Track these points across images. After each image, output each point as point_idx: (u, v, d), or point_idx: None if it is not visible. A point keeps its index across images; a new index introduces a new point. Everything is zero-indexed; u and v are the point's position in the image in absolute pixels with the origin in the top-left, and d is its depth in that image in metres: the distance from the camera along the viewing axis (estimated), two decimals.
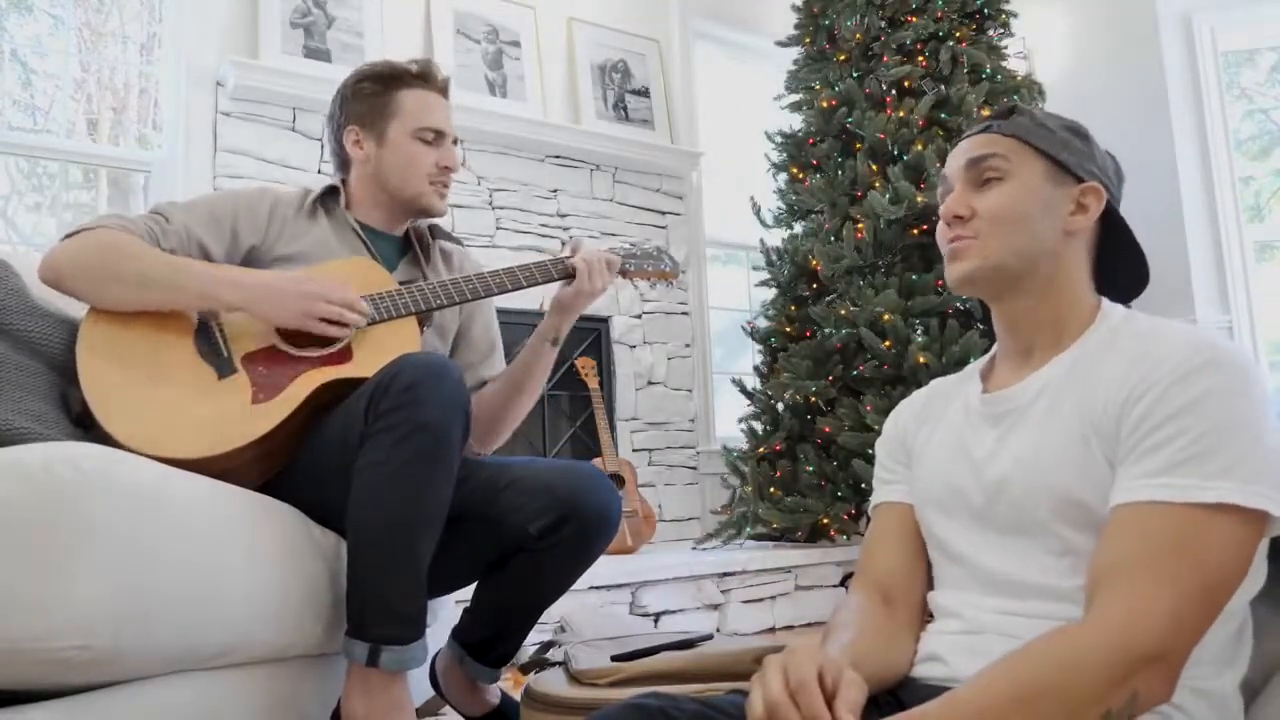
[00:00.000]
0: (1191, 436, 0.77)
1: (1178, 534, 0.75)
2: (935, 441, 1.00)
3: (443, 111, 1.60)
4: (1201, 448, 0.76)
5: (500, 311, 1.91)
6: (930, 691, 0.77)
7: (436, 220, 1.71)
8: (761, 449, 3.53)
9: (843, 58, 3.71)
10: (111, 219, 1.39)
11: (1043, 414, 0.88)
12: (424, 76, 1.59)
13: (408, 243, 1.66)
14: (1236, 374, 0.79)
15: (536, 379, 1.63)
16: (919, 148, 3.39)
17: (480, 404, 1.62)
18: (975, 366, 1.04)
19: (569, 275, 1.57)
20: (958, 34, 3.61)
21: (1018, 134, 0.94)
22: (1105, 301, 0.94)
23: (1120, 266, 0.98)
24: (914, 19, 3.61)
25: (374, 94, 1.57)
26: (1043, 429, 0.87)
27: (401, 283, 1.50)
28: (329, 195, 1.60)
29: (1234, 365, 0.79)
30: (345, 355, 1.39)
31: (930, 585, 0.99)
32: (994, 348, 1.02)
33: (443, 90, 1.61)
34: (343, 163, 1.62)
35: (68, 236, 1.37)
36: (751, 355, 3.99)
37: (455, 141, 1.63)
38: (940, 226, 0.97)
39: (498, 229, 3.71)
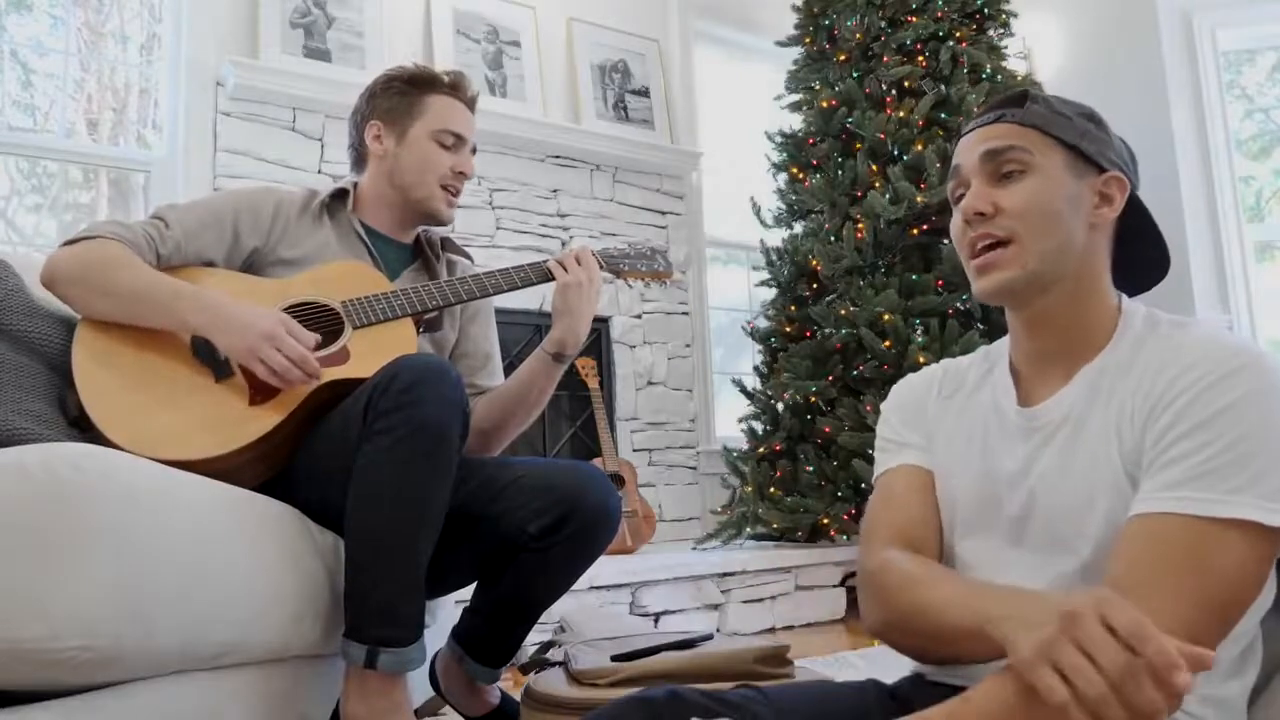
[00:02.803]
0: (1214, 450, 0.75)
1: (1194, 547, 0.73)
2: (958, 442, 0.96)
3: (466, 120, 1.62)
4: (1223, 461, 0.74)
5: (498, 311, 1.91)
6: (942, 691, 0.77)
7: (448, 232, 1.71)
8: (761, 449, 3.53)
9: (843, 58, 3.71)
10: (111, 227, 1.39)
11: (1074, 430, 0.86)
12: (455, 86, 1.62)
13: (417, 252, 1.66)
14: (1264, 386, 0.76)
15: (537, 394, 1.57)
16: (919, 148, 3.39)
17: (477, 412, 1.58)
18: (995, 358, 0.99)
19: (549, 276, 1.56)
20: (958, 34, 3.61)
21: (1037, 124, 0.89)
22: (1125, 301, 0.91)
23: (1138, 254, 0.94)
24: (914, 19, 3.60)
25: (402, 93, 1.59)
26: (1072, 447, 0.85)
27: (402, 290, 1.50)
28: (336, 198, 1.60)
29: (1261, 376, 0.76)
30: (343, 356, 1.39)
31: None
32: (1006, 343, 0.98)
33: (470, 104, 1.64)
34: (359, 159, 1.63)
35: (68, 243, 1.37)
36: (751, 355, 4.00)
37: (474, 152, 1.63)
38: (957, 226, 0.92)
39: (498, 229, 3.71)
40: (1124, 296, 0.92)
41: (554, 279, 1.55)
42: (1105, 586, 0.75)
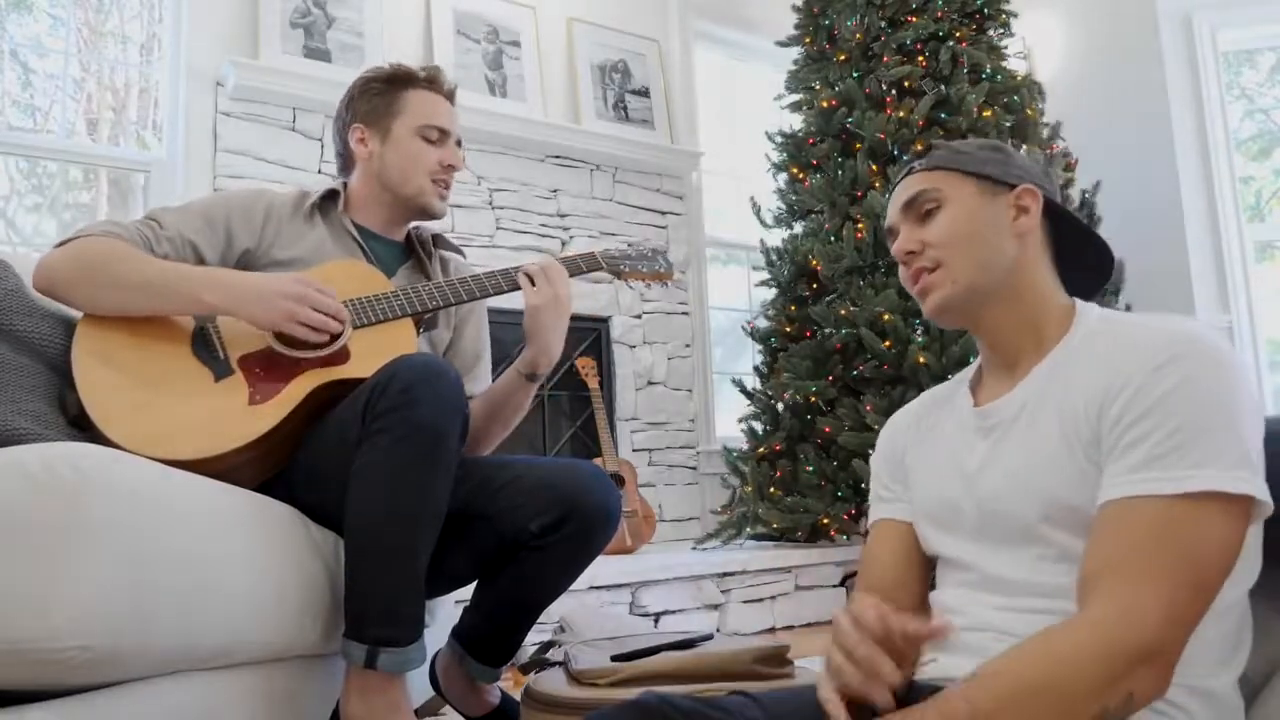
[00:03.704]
0: (1169, 429, 0.77)
1: (1164, 526, 0.75)
2: (929, 457, 1.01)
3: (448, 113, 1.61)
4: (1181, 439, 0.77)
5: (497, 312, 1.91)
6: (926, 690, 0.77)
7: (439, 229, 1.71)
8: (761, 449, 3.53)
9: (843, 58, 3.71)
10: (104, 226, 1.39)
11: (1028, 423, 0.89)
12: (431, 80, 1.61)
13: (409, 250, 1.66)
14: (1209, 362, 0.79)
15: (512, 411, 1.58)
16: (919, 148, 3.39)
17: None
18: (964, 377, 1.05)
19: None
20: (958, 34, 3.61)
21: (939, 165, 0.99)
22: (1079, 303, 0.96)
23: (1083, 257, 1.00)
24: (914, 19, 3.60)
25: (380, 93, 1.59)
26: (1028, 438, 0.88)
27: (398, 287, 1.50)
28: (327, 199, 1.60)
29: (1206, 354, 0.79)
30: (342, 356, 1.39)
31: (930, 587, 1.00)
32: (979, 358, 1.04)
33: (449, 96, 1.63)
34: (346, 163, 1.63)
35: (60, 244, 1.37)
36: (751, 355, 4.00)
37: (459, 144, 1.63)
38: (901, 271, 1.01)
39: (498, 229, 3.71)
40: (1079, 301, 0.97)
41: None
42: (1083, 572, 0.78)
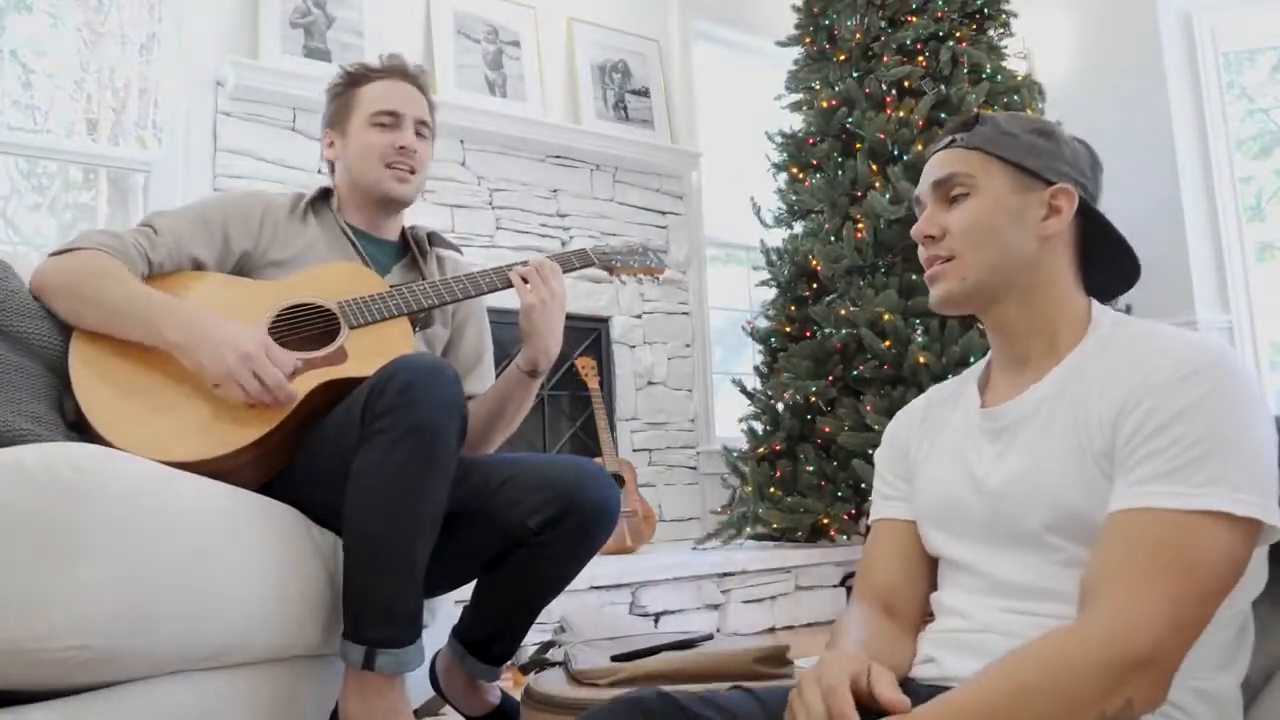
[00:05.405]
0: (1183, 445, 0.76)
1: (1169, 540, 0.75)
2: (935, 455, 1.00)
3: (404, 96, 1.59)
4: (1192, 455, 0.76)
5: (496, 311, 1.91)
6: (927, 691, 0.77)
7: (439, 227, 1.72)
8: (761, 449, 3.53)
9: (843, 58, 3.71)
10: (100, 237, 1.39)
11: (1040, 428, 0.88)
12: (389, 69, 1.61)
13: (405, 248, 1.66)
14: (1227, 382, 0.78)
15: (515, 408, 1.58)
16: (919, 148, 3.39)
17: None
18: (972, 374, 1.03)
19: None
20: (958, 34, 3.61)
21: (981, 146, 0.94)
22: (1095, 306, 0.94)
23: (1109, 260, 0.97)
24: (914, 19, 3.60)
25: (341, 94, 1.62)
26: (1040, 443, 0.87)
27: (394, 286, 1.50)
28: (321, 198, 1.61)
29: (1225, 373, 0.79)
30: (340, 356, 1.40)
31: (933, 587, 0.99)
32: (988, 355, 1.02)
33: (412, 80, 1.61)
34: (331, 169, 1.66)
35: (57, 253, 1.37)
36: (751, 355, 3.99)
37: (425, 125, 1.61)
38: (920, 249, 0.98)
39: (498, 229, 3.71)
40: (1095, 302, 0.95)
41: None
42: (1086, 579, 0.78)
